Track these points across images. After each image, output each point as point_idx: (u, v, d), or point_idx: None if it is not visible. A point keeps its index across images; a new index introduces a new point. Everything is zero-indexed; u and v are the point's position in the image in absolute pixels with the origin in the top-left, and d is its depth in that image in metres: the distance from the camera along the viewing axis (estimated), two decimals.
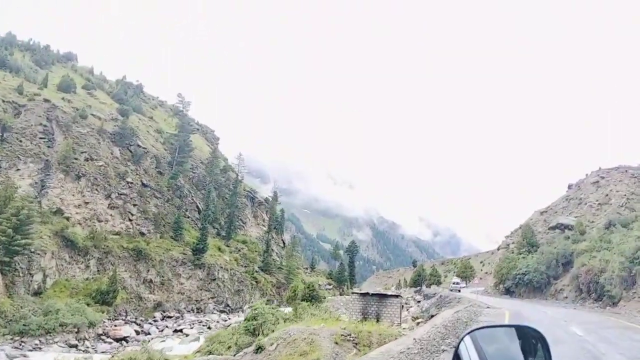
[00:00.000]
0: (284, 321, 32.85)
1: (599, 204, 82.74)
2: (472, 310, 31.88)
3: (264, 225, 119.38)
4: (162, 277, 77.02)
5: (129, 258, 73.84)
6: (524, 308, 41.60)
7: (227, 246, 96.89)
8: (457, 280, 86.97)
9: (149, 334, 61.97)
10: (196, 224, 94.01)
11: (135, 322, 65.40)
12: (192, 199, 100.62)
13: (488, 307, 35.91)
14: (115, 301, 65.02)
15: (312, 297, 50.62)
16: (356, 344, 24.86)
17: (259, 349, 26.27)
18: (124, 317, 65.82)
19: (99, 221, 75.57)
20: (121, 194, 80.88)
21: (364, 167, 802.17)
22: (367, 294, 36.72)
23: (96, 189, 77.51)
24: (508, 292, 72.46)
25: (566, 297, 57.07)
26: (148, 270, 75.40)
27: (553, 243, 69.15)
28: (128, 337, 58.03)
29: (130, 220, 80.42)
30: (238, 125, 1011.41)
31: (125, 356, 30.23)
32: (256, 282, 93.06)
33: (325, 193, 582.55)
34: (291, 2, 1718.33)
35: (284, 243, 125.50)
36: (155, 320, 69.43)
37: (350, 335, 25.32)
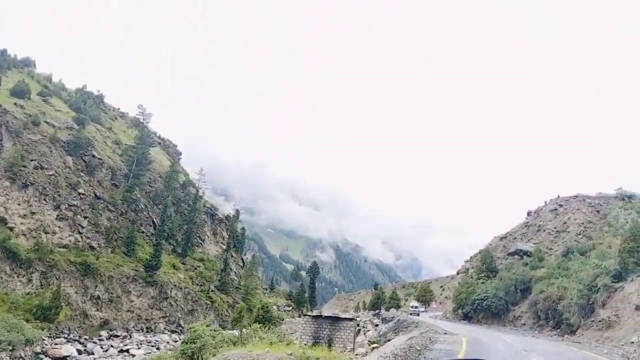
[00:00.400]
0: (228, 345, 30.74)
1: (557, 231, 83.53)
2: (428, 336, 30.51)
3: (223, 244, 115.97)
4: (111, 293, 73.29)
5: (76, 273, 69.94)
6: (482, 335, 40.59)
7: (183, 264, 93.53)
8: (416, 304, 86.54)
9: (93, 353, 58.60)
10: (151, 240, 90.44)
11: (78, 341, 61.52)
12: (148, 214, 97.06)
13: (445, 333, 34.68)
14: (58, 318, 61.15)
15: (265, 318, 48.58)
16: None
17: None
18: (66, 335, 61.92)
19: (46, 233, 71.54)
20: (72, 205, 77.07)
21: (329, 189, 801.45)
22: (320, 316, 34.91)
23: (44, 199, 73.58)
24: (466, 317, 71.80)
25: (524, 324, 56.60)
26: (96, 286, 71.61)
27: (512, 269, 69.02)
28: (69, 356, 54.56)
29: (79, 233, 76.56)
30: (219, 134, 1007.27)
31: None
32: (211, 301, 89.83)
33: (290, 214, 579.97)
34: (291, 2, 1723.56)
35: (243, 262, 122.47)
36: (100, 339, 65.63)
37: None
